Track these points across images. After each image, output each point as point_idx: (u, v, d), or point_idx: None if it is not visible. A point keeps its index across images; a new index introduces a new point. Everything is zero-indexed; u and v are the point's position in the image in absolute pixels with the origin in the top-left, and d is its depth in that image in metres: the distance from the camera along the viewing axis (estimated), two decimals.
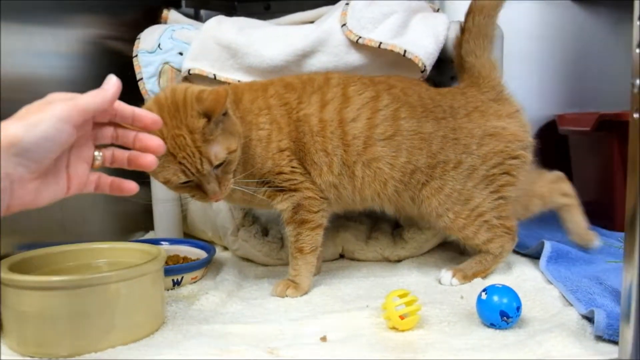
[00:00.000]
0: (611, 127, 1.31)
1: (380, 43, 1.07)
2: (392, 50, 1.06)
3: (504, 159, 1.00)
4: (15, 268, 0.78)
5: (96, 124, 0.68)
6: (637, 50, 0.62)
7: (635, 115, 0.63)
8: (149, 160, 0.70)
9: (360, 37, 1.09)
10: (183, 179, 0.83)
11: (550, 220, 1.54)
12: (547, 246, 1.10)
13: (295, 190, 0.97)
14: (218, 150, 0.83)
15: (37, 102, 0.62)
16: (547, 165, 1.75)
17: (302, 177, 0.97)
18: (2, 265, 0.77)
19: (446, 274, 1.02)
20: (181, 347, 0.74)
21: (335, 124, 0.97)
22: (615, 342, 0.69)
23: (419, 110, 0.99)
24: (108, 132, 0.69)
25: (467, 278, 1.01)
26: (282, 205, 0.98)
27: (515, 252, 1.21)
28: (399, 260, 1.16)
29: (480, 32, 1.04)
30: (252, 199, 0.99)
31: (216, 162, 0.83)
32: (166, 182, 0.84)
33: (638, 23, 0.62)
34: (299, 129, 0.97)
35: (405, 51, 1.05)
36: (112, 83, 0.66)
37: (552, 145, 1.73)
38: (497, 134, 1.00)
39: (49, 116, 0.59)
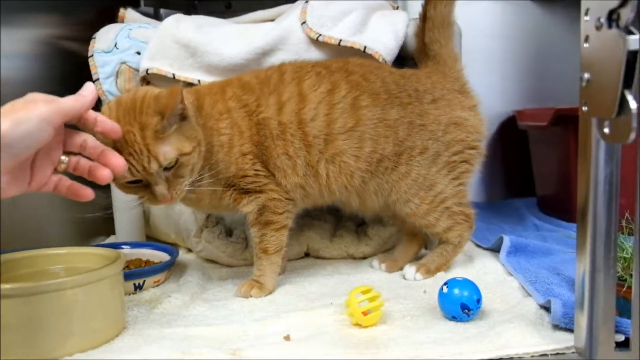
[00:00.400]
0: (567, 121, 1.35)
1: (340, 40, 1.07)
2: (352, 47, 1.07)
3: (464, 147, 1.02)
4: None
5: (68, 132, 0.72)
6: (585, 45, 0.63)
7: (584, 109, 0.64)
8: (104, 174, 0.73)
9: (320, 35, 1.09)
10: (129, 177, 0.81)
11: (511, 213, 1.58)
12: (506, 240, 1.12)
13: (260, 192, 0.97)
14: (168, 150, 0.81)
15: (20, 100, 0.65)
16: (508, 159, 1.80)
17: (267, 180, 0.96)
18: None
19: (410, 269, 1.03)
20: (142, 351, 0.73)
21: (295, 127, 0.95)
22: (572, 330, 0.70)
23: (383, 96, 0.99)
24: (78, 141, 0.73)
25: (430, 272, 1.02)
26: (248, 207, 0.97)
27: (477, 245, 1.24)
28: (363, 257, 1.17)
29: (443, 20, 1.05)
30: (219, 205, 0.98)
31: (165, 163, 0.81)
32: (113, 180, 0.80)
33: (585, 19, 0.63)
34: (260, 132, 0.95)
35: (365, 47, 1.06)
36: (90, 90, 0.72)
37: (513, 140, 1.78)
38: (460, 124, 1.02)
39: (34, 115, 0.62)
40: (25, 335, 0.70)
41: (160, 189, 0.82)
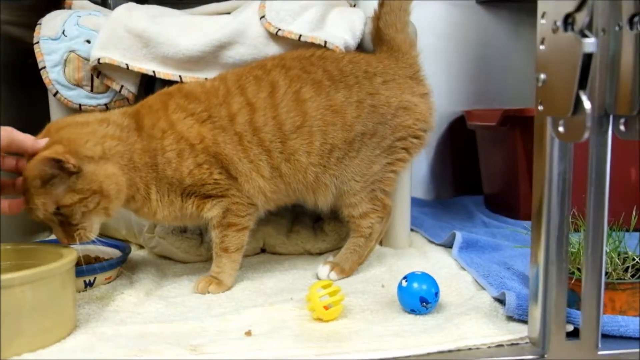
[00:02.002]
0: (514, 122, 1.40)
1: (300, 35, 1.07)
2: (312, 42, 1.06)
3: (408, 134, 1.03)
4: None
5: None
6: (541, 47, 0.66)
7: (540, 108, 0.67)
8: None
9: (279, 30, 1.08)
10: (34, 217, 0.83)
11: (460, 211, 1.62)
12: (458, 236, 1.16)
13: (222, 196, 0.95)
14: (45, 203, 0.81)
15: None
16: (457, 158, 1.85)
17: (227, 185, 0.95)
18: None
19: (323, 269, 1.01)
20: (96, 350, 0.70)
21: (250, 134, 0.94)
22: (525, 322, 0.73)
23: (326, 83, 0.98)
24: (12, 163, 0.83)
25: (344, 272, 1.01)
26: (212, 212, 0.95)
27: (429, 241, 1.27)
28: (320, 253, 1.17)
29: (400, 6, 1.06)
30: (181, 216, 0.96)
31: (45, 213, 0.81)
32: None
33: (542, 22, 0.65)
34: (216, 140, 0.93)
35: (325, 42, 1.06)
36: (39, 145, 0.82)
37: (461, 140, 1.83)
38: (409, 109, 1.02)
39: None
40: None
41: (58, 233, 0.85)
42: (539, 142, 0.68)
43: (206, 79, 1.08)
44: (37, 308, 0.71)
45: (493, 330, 0.73)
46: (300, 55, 1.02)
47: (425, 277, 0.81)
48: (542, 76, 0.66)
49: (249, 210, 0.97)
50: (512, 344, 0.71)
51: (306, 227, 1.19)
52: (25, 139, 0.79)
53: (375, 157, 1.00)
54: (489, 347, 0.70)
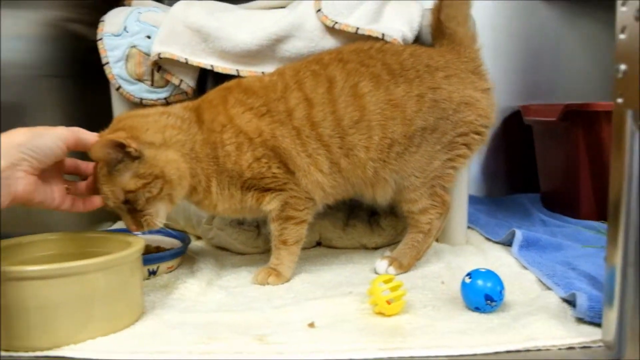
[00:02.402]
0: (576, 117, 1.35)
1: (357, 28, 1.06)
2: (369, 35, 1.06)
3: (470, 130, 1.00)
4: None
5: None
6: (621, 36, 0.63)
7: (619, 101, 0.64)
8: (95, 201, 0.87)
9: (336, 23, 1.08)
10: (108, 205, 0.86)
11: (515, 209, 1.58)
12: (518, 234, 1.13)
13: (281, 189, 0.96)
14: (114, 190, 0.84)
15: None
16: (511, 154, 1.81)
17: (286, 179, 0.95)
18: None
19: (381, 263, 1.00)
20: (165, 336, 0.72)
21: (308, 129, 0.94)
22: (597, 324, 0.71)
23: (385, 77, 0.96)
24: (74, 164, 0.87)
25: (402, 267, 1.00)
26: (271, 205, 0.96)
27: (487, 239, 1.24)
28: (376, 248, 1.17)
29: None
30: (241, 208, 0.97)
31: (116, 201, 0.85)
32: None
33: (622, 9, 0.63)
34: (274, 134, 0.94)
35: (383, 35, 1.05)
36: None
37: (516, 135, 1.78)
38: (471, 104, 0.99)
39: (52, 133, 0.76)
40: (46, 319, 0.69)
41: (126, 221, 0.88)
42: (617, 137, 0.65)
43: (263, 72, 1.09)
44: (109, 294, 0.73)
45: (563, 331, 0.71)
46: (358, 48, 1.01)
47: (490, 275, 0.80)
48: (622, 67, 0.63)
49: (307, 205, 0.97)
50: (584, 347, 0.68)
51: (362, 221, 1.19)
52: (91, 138, 0.82)
53: (436, 152, 0.99)
54: (560, 349, 0.68)
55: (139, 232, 0.88)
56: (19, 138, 0.71)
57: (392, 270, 0.99)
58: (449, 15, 1.04)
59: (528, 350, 0.68)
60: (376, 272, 1.00)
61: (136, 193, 0.84)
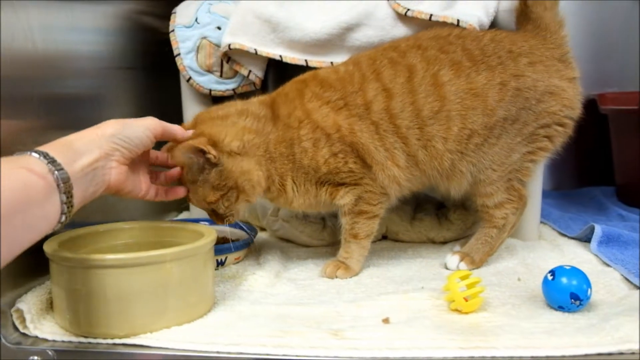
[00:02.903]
0: None
1: (431, 15, 1.03)
2: (444, 22, 1.02)
3: (553, 122, 0.95)
4: (63, 246, 0.76)
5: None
6: None
7: None
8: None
9: (408, 10, 1.04)
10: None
11: (588, 203, 1.50)
12: (598, 229, 1.07)
13: (356, 184, 0.94)
14: (200, 202, 0.90)
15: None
16: (582, 146, 1.72)
17: (362, 173, 0.93)
18: (50, 243, 0.75)
19: (453, 259, 0.97)
20: (238, 327, 0.72)
21: (387, 122, 0.91)
22: None
23: (466, 64, 0.92)
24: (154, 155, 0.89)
25: (474, 263, 0.96)
26: (345, 199, 0.94)
27: (561, 234, 1.18)
28: (444, 242, 1.13)
29: None
30: (315, 203, 0.97)
31: (205, 205, 0.90)
32: None
33: None
34: (353, 129, 0.92)
35: (458, 20, 1.01)
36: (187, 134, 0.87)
37: (590, 126, 1.69)
38: (556, 94, 0.94)
39: (141, 123, 0.78)
40: (124, 307, 0.70)
41: (210, 216, 0.93)
42: None
43: (332, 63, 1.07)
44: (183, 284, 0.74)
45: None
46: (437, 34, 0.97)
47: (576, 272, 0.75)
48: None
49: (381, 199, 0.95)
50: None
51: (430, 214, 1.15)
52: (176, 129, 0.84)
53: (516, 144, 0.94)
54: None
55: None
56: (111, 129, 0.73)
57: (463, 266, 0.95)
58: (536, 1, 0.98)
59: (622, 354, 0.63)
60: (447, 268, 0.97)
61: (217, 203, 0.89)
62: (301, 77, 0.98)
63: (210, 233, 0.82)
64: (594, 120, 1.61)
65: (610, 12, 1.68)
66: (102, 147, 0.71)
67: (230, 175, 0.87)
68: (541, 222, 1.25)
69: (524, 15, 1.00)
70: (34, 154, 0.63)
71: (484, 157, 0.94)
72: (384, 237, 1.18)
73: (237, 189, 0.88)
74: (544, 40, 0.97)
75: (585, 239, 1.10)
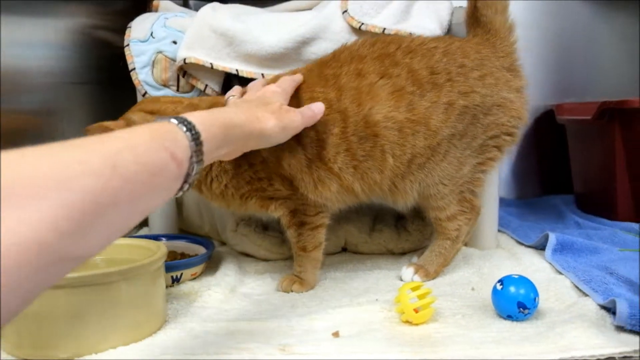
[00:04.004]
0: (613, 115, 1.30)
1: (384, 29, 1.04)
2: (396, 34, 1.03)
3: (501, 132, 0.94)
4: None
5: None
6: None
7: None
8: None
9: (362, 24, 1.05)
10: None
11: (548, 211, 1.53)
12: (552, 237, 1.08)
13: (286, 199, 0.93)
14: None
15: (280, 98, 0.81)
16: (543, 155, 1.75)
17: (290, 191, 0.92)
18: None
19: (407, 271, 0.96)
20: (187, 346, 0.71)
21: (318, 162, 0.89)
22: (638, 333, 0.67)
23: (409, 89, 0.87)
24: None
25: (429, 275, 0.96)
26: (278, 212, 0.94)
27: (519, 243, 1.20)
28: (403, 253, 1.14)
29: None
30: (243, 211, 0.97)
31: None
32: None
33: None
34: (280, 163, 0.90)
35: (410, 34, 1.02)
36: (320, 109, 0.85)
37: (549, 136, 1.73)
38: (504, 106, 0.93)
39: (293, 127, 0.78)
40: (69, 328, 0.68)
41: None
42: None
43: None
44: (131, 303, 0.73)
45: (602, 340, 0.66)
46: (384, 51, 0.91)
47: (523, 281, 0.76)
48: None
49: (318, 210, 0.94)
50: (625, 357, 0.64)
51: (389, 225, 1.16)
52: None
53: (465, 157, 0.94)
54: (599, 359, 0.64)
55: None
56: (264, 129, 0.74)
57: (418, 278, 0.95)
58: (487, 3, 0.96)
59: None
60: (402, 280, 0.97)
61: None
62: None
63: (159, 249, 0.81)
64: (553, 130, 1.66)
65: (570, 23, 1.72)
66: None
67: None
68: (500, 230, 1.27)
69: (474, 19, 0.99)
70: (187, 132, 0.57)
71: (430, 173, 0.92)
72: (344, 250, 1.18)
73: None
74: (494, 48, 0.95)
75: (541, 247, 1.12)
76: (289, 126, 0.77)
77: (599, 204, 1.43)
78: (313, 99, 0.88)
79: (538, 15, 1.72)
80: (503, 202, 1.62)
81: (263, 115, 0.74)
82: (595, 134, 1.42)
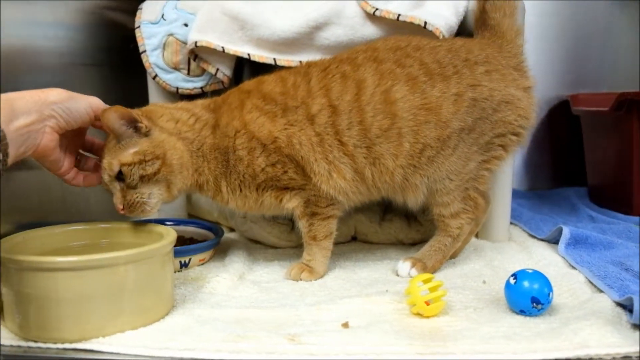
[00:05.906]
0: (632, 106, 1.27)
1: (399, 15, 1.02)
2: (411, 22, 1.01)
3: (508, 131, 0.94)
4: (16, 248, 0.74)
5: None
6: None
7: None
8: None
9: (377, 9, 1.03)
10: (104, 179, 0.86)
11: (561, 203, 1.51)
12: (566, 231, 1.07)
13: (301, 189, 0.92)
14: (111, 162, 0.84)
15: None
16: (557, 146, 1.72)
17: (304, 181, 0.91)
18: (3, 245, 0.73)
19: (403, 265, 0.94)
20: (194, 332, 0.70)
21: (332, 136, 0.89)
22: None
23: (422, 79, 0.89)
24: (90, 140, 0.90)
25: (426, 270, 0.94)
26: (292, 202, 0.93)
27: (531, 236, 1.18)
28: (413, 244, 1.13)
29: None
30: (259, 207, 0.95)
31: (110, 172, 0.84)
32: None
33: None
34: (291, 141, 0.89)
35: (425, 23, 1.00)
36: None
37: (563, 127, 1.70)
38: (512, 103, 0.92)
39: (85, 99, 0.80)
40: (76, 311, 0.68)
41: (115, 199, 0.86)
42: None
43: (300, 62, 1.06)
44: (139, 287, 0.72)
45: (618, 339, 0.65)
46: (396, 45, 0.93)
47: (538, 276, 0.75)
48: None
49: (329, 202, 0.93)
50: None
51: (399, 215, 1.14)
52: None
53: (472, 154, 0.93)
54: (614, 358, 0.63)
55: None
56: (54, 97, 0.75)
57: (414, 272, 0.93)
58: (496, 5, 0.97)
59: (580, 359, 0.63)
60: (397, 274, 0.94)
61: (131, 167, 0.83)
62: (247, 86, 0.96)
63: (169, 234, 0.80)
64: (568, 120, 1.63)
65: (586, 13, 1.68)
66: (41, 111, 0.73)
67: (161, 145, 0.86)
68: (512, 223, 1.26)
69: (481, 21, 1.00)
70: None
71: (439, 167, 0.92)
72: (354, 239, 1.17)
73: (163, 160, 0.85)
74: (500, 49, 0.96)
75: (554, 240, 1.10)
76: (80, 97, 0.80)
77: (614, 198, 1.41)
78: (327, 73, 0.92)
79: (554, 4, 1.68)
80: (516, 193, 1.60)
81: None
82: (612, 125, 1.39)
